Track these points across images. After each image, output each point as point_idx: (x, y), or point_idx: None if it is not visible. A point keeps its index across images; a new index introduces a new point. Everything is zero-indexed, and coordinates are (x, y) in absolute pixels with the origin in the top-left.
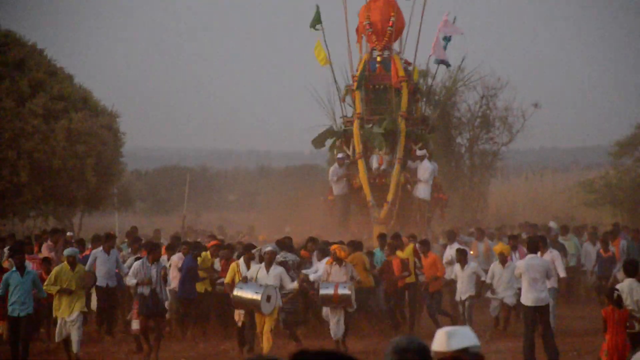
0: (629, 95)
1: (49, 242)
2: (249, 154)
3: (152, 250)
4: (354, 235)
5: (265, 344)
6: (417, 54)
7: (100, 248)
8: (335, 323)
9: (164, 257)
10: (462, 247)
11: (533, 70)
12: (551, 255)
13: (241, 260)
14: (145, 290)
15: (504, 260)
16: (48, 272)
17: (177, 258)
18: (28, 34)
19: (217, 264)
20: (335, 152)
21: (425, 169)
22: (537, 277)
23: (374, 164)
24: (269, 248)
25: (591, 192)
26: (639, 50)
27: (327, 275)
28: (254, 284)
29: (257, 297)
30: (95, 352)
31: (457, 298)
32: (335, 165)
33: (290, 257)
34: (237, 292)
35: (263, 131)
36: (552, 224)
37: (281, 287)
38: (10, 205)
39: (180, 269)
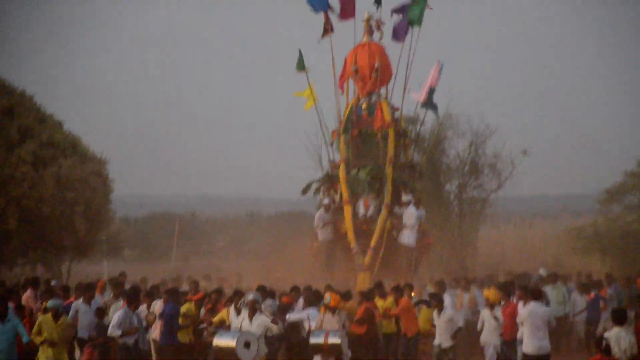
0: (619, 143)
1: (29, 292)
2: (239, 200)
3: (133, 299)
4: (339, 282)
5: None
6: (405, 99)
7: (81, 300)
8: None
9: (143, 305)
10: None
11: (523, 116)
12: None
13: (232, 308)
14: (130, 341)
15: (491, 305)
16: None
17: (157, 306)
18: (17, 80)
19: (203, 313)
20: (321, 196)
21: (410, 214)
22: (540, 325)
23: (361, 209)
24: (251, 296)
25: (580, 240)
26: (628, 98)
27: (320, 323)
28: (232, 331)
29: (233, 343)
30: None
31: (435, 343)
32: (322, 210)
33: (269, 302)
34: (215, 341)
35: (252, 177)
36: (542, 271)
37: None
38: None
39: (161, 317)
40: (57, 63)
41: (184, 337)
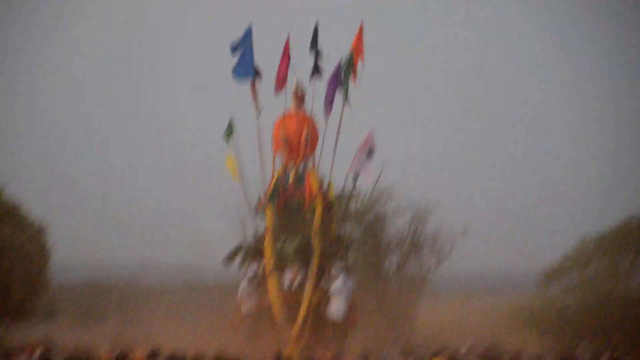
0: (557, 223)
1: None
2: (180, 267)
3: None
4: (263, 356)
5: None
6: (333, 169)
7: None
8: None
9: None
10: None
11: (465, 190)
12: None
13: None
14: None
15: None
16: None
17: None
18: None
19: None
20: (245, 267)
21: (336, 286)
22: None
23: (287, 281)
24: None
25: (516, 319)
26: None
27: None
28: None
29: None
30: None
31: None
32: (245, 281)
33: None
34: None
35: (191, 243)
36: (462, 349)
37: None
38: None
39: None
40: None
41: None
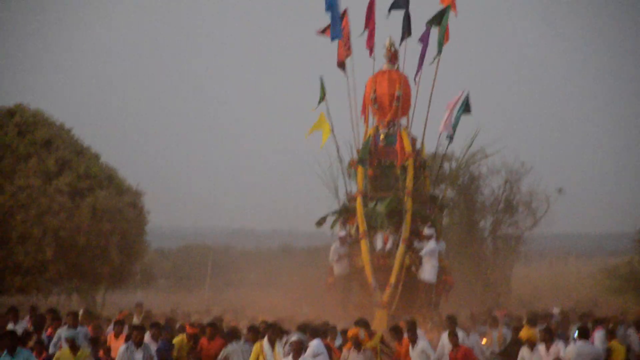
0: None
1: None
2: (273, 233)
3: (136, 331)
4: (354, 318)
5: None
6: (426, 130)
7: (66, 326)
8: None
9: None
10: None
11: (558, 153)
12: (557, 347)
13: (265, 340)
14: None
15: (531, 344)
16: None
17: (146, 340)
18: (56, 113)
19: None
20: (337, 229)
21: (428, 248)
22: None
23: (379, 243)
24: (294, 337)
25: (615, 279)
26: None
27: None
28: None
29: None
30: None
31: None
32: (337, 243)
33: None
34: None
35: (285, 211)
36: (555, 310)
37: None
38: (35, 282)
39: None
40: (96, 96)
41: None
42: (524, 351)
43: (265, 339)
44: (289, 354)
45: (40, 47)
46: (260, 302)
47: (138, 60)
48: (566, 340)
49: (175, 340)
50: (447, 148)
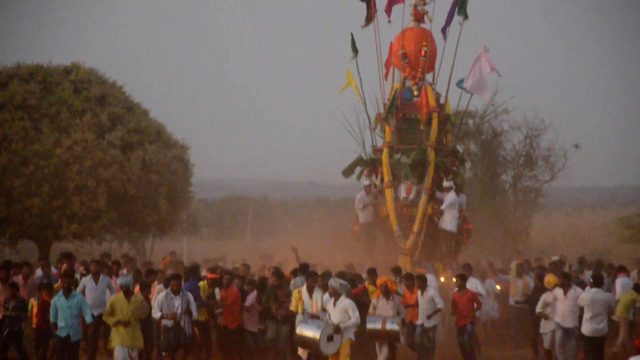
0: None
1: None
2: (307, 185)
3: (174, 280)
4: (378, 264)
5: None
6: (450, 87)
7: (89, 276)
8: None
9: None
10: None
11: (574, 109)
12: (575, 293)
13: (304, 288)
14: (169, 323)
15: (566, 285)
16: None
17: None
18: (109, 71)
19: (217, 294)
20: (362, 179)
21: (448, 199)
22: (600, 310)
23: (402, 193)
24: (332, 282)
25: (628, 228)
26: None
27: (374, 309)
28: (316, 321)
29: (316, 335)
30: None
31: (418, 323)
32: (362, 192)
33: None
34: (299, 330)
35: (319, 164)
36: (554, 258)
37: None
38: (89, 229)
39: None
40: (146, 55)
41: (200, 315)
42: (546, 296)
43: (304, 287)
44: (331, 296)
45: (95, 9)
46: (301, 250)
47: (184, 24)
48: (582, 286)
49: (200, 284)
50: (468, 103)
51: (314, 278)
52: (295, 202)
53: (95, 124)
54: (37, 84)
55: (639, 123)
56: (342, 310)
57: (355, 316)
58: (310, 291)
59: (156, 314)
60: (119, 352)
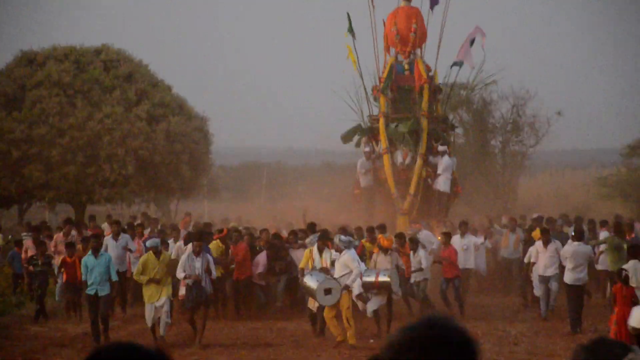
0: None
1: (61, 234)
2: (317, 152)
3: (195, 242)
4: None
5: (333, 329)
6: (439, 58)
7: (110, 235)
8: (372, 302)
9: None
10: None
11: (556, 78)
12: (555, 245)
13: (315, 247)
14: (191, 282)
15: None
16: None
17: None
18: (135, 51)
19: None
20: (362, 146)
21: (442, 163)
22: (581, 262)
23: (399, 158)
24: (336, 238)
25: (605, 187)
26: None
27: (374, 264)
28: (321, 274)
29: (314, 286)
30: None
31: (411, 281)
32: (363, 158)
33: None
34: (303, 280)
35: (328, 132)
36: (534, 215)
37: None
38: (119, 193)
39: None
40: (169, 35)
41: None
42: (532, 248)
43: (315, 247)
44: (337, 252)
45: None
46: (310, 211)
47: (203, 9)
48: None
49: (211, 245)
50: (457, 75)
51: (324, 239)
52: (305, 167)
53: (123, 99)
54: (71, 63)
55: (616, 92)
56: (342, 264)
57: (354, 267)
58: (321, 250)
59: (180, 274)
60: (147, 309)
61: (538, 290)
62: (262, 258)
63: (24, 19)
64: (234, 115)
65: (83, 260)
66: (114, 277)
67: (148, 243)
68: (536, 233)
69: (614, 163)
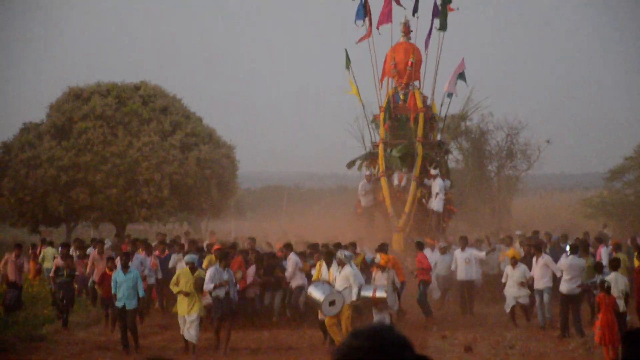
0: (622, 131)
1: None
2: (331, 175)
3: (223, 257)
4: (378, 240)
5: (333, 335)
6: (434, 90)
7: (139, 252)
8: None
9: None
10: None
11: (544, 108)
12: (544, 259)
13: (323, 261)
14: (221, 293)
15: (514, 262)
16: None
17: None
18: (170, 86)
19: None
20: (363, 170)
21: (436, 185)
22: (576, 274)
23: (395, 181)
24: (339, 253)
25: (589, 208)
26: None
27: (373, 280)
28: (327, 286)
29: (320, 298)
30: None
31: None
32: (364, 181)
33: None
34: (309, 291)
35: (339, 157)
36: (518, 232)
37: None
38: (156, 213)
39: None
40: (201, 71)
41: None
42: (507, 269)
43: (323, 262)
44: (339, 265)
45: (158, 35)
46: (321, 229)
47: (230, 37)
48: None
49: (206, 260)
50: (449, 105)
51: (329, 255)
52: (321, 190)
53: (159, 129)
54: (113, 98)
55: (599, 122)
56: (344, 277)
57: (353, 281)
58: (328, 264)
59: (209, 286)
60: (180, 320)
61: (507, 308)
62: (251, 270)
63: (71, 57)
64: (258, 143)
65: (113, 275)
66: (141, 293)
67: (186, 259)
68: (511, 252)
69: (597, 186)
